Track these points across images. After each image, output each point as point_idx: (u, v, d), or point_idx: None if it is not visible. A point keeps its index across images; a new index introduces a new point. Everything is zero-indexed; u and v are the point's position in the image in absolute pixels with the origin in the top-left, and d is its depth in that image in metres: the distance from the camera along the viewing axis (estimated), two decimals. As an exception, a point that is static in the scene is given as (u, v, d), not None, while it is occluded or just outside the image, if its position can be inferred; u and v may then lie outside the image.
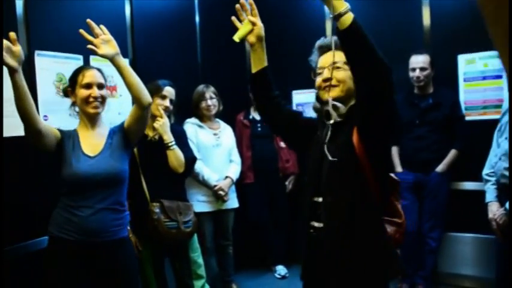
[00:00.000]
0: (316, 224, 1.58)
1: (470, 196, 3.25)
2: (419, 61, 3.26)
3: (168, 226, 2.51)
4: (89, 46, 1.92)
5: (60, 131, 2.07)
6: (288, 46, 4.03)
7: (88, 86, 2.05)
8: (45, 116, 2.44)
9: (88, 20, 1.92)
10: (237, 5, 1.66)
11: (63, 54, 2.56)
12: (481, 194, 2.58)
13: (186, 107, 3.22)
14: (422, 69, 3.25)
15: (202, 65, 3.77)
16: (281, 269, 3.94)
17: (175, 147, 2.59)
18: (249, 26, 1.67)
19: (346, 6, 1.34)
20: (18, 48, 1.77)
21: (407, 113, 3.30)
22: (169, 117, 2.70)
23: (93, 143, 2.08)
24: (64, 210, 1.99)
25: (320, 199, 1.56)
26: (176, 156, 2.58)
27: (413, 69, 3.27)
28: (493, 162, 2.46)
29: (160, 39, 3.34)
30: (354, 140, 1.49)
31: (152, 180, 2.55)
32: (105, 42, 1.95)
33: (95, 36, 1.94)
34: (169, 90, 2.71)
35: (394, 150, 3.44)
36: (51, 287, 1.99)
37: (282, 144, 3.85)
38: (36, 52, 2.43)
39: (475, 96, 3.37)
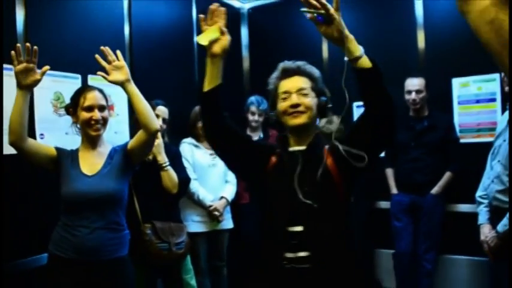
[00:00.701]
0: (291, 255, 1.46)
1: (466, 218, 3.23)
2: (415, 84, 3.28)
3: (160, 247, 2.49)
4: (99, 73, 1.96)
5: (58, 149, 2.09)
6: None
7: (89, 108, 2.05)
8: (41, 134, 2.46)
9: (102, 48, 1.97)
10: (212, 6, 1.49)
11: (61, 73, 2.59)
12: (476, 216, 2.58)
13: (183, 127, 3.24)
14: (418, 92, 3.27)
15: (199, 84, 3.78)
16: (276, 291, 3.88)
17: (169, 168, 2.59)
18: (217, 33, 1.50)
19: (361, 50, 1.40)
20: (38, 78, 1.88)
21: (403, 136, 3.30)
22: (162, 136, 2.71)
23: (92, 162, 2.09)
24: (62, 228, 2.01)
25: (298, 228, 1.47)
26: (170, 177, 2.58)
27: (409, 92, 3.29)
28: (486, 184, 2.47)
29: (158, 59, 3.38)
30: (329, 162, 1.49)
31: (145, 201, 2.54)
32: (116, 68, 1.98)
33: (108, 62, 1.97)
34: (162, 110, 2.74)
35: (390, 173, 3.46)
36: None
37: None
38: (35, 71, 2.46)
39: (469, 119, 3.39)
